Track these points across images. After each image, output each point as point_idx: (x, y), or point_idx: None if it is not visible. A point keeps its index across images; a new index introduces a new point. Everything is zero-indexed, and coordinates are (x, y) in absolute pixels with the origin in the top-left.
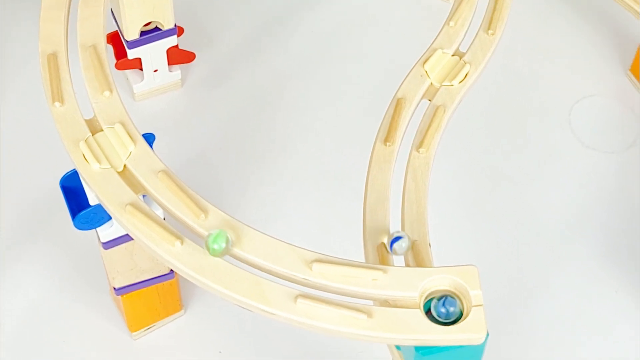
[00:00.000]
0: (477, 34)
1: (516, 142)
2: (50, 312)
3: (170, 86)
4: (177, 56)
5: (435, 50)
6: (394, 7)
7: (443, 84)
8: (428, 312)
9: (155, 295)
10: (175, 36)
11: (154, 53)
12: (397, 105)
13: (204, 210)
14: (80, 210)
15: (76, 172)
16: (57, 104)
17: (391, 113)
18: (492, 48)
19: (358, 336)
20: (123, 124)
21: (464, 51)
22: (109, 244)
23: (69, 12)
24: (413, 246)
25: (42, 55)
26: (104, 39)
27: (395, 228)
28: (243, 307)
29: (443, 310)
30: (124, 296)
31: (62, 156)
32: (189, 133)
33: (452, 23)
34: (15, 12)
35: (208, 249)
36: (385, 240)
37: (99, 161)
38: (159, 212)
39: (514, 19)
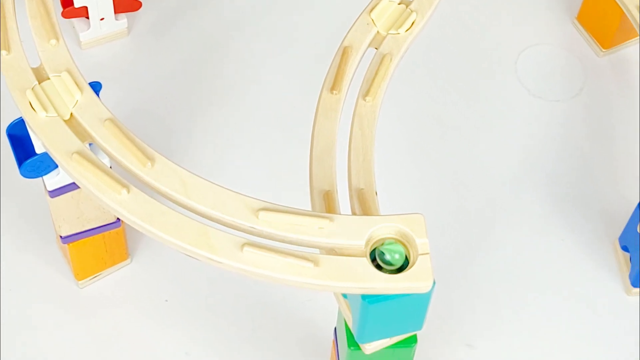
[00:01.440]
0: None
1: (463, 91)
2: None
3: (116, 34)
4: (123, 4)
5: None
6: None
7: (389, 32)
8: (374, 260)
9: (101, 243)
10: None
11: (100, 1)
12: (344, 53)
13: (151, 159)
14: (26, 159)
15: (23, 120)
16: (3, 52)
17: (337, 61)
18: None
19: (304, 284)
20: (69, 72)
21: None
22: (55, 192)
23: None
24: (359, 194)
25: None
26: None
27: (341, 176)
28: (189, 256)
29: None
30: (71, 245)
31: (9, 104)
32: (136, 81)
33: None
34: None
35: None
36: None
37: (45, 109)
38: (106, 161)
39: None
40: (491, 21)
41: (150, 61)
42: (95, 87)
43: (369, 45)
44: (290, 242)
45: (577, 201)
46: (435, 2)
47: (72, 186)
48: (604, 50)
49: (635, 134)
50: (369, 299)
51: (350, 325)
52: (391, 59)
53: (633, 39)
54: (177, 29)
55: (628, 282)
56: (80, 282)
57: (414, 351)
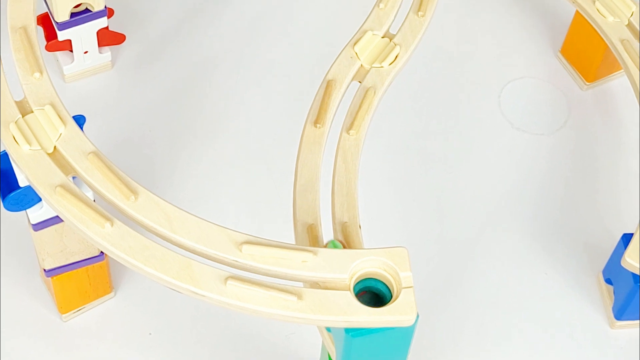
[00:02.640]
0: (407, 15)
1: (447, 124)
2: None
3: (100, 68)
4: (107, 38)
5: (365, 32)
6: None
7: (373, 65)
8: (358, 294)
9: (85, 277)
10: (106, 18)
11: (84, 35)
12: (328, 86)
13: (134, 192)
14: (10, 192)
15: (6, 153)
16: None
17: (321, 95)
18: (422, 30)
19: (288, 318)
20: (53, 106)
21: (394, 33)
22: (39, 226)
23: None
24: (343, 227)
25: None
26: (34, 21)
27: (325, 209)
28: (173, 289)
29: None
30: (54, 278)
31: None
32: (119, 115)
33: (382, 5)
34: None
35: None
36: None
37: (29, 143)
38: (89, 194)
39: (444, 0)
40: (475, 54)
41: (134, 94)
42: (79, 120)
43: (353, 79)
44: (274, 276)
45: (561, 234)
46: (418, 36)
47: (56, 219)
48: (587, 83)
49: (619, 167)
50: (353, 332)
51: (334, 358)
52: (375, 93)
53: (617, 72)
54: (160, 62)
55: (612, 315)
56: (64, 315)
57: None
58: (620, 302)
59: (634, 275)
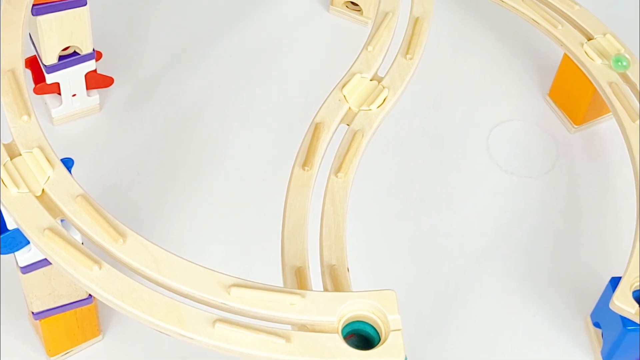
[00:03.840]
0: (395, 58)
1: (435, 166)
2: None
3: (88, 110)
4: (95, 81)
5: (353, 74)
6: (312, 31)
7: (361, 108)
8: (347, 337)
9: (73, 320)
10: (94, 61)
11: (72, 77)
12: (316, 129)
13: (122, 235)
14: None
15: None
16: None
17: (309, 137)
18: (410, 73)
19: None
20: (41, 149)
21: (382, 76)
22: (27, 269)
23: None
24: (331, 270)
25: None
26: (22, 64)
27: (313, 252)
28: (161, 332)
29: None
30: (42, 321)
31: None
32: (108, 157)
33: (370, 48)
34: None
35: None
36: None
37: (17, 185)
38: (77, 237)
39: (432, 43)
40: (463, 97)
41: (122, 137)
42: (67, 163)
43: (341, 122)
44: (262, 318)
45: (549, 277)
46: (406, 78)
47: (44, 262)
48: (576, 126)
49: (607, 210)
50: None
51: None
52: (363, 136)
53: (605, 115)
54: (148, 104)
55: (600, 358)
56: (52, 358)
57: None
58: (609, 345)
59: (622, 318)
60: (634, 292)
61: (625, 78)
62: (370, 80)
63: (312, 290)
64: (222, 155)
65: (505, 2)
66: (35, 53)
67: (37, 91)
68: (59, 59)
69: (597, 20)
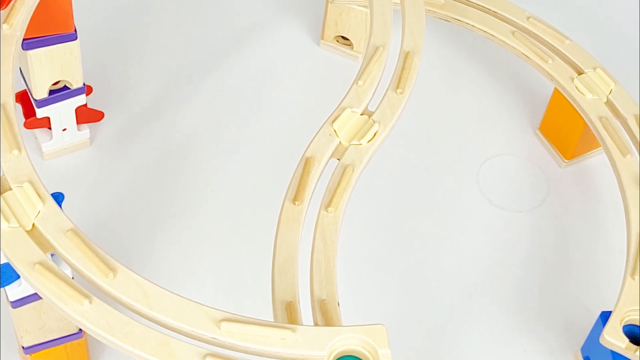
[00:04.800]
0: (385, 93)
1: (425, 201)
2: None
3: (79, 145)
4: (86, 115)
5: (344, 109)
6: (303, 65)
7: (352, 143)
8: None
9: (63, 354)
10: (84, 95)
11: (62, 112)
12: (306, 164)
13: (113, 269)
14: None
15: None
16: None
17: (300, 172)
18: (400, 107)
19: None
20: (32, 183)
21: (373, 110)
22: (17, 303)
23: None
24: (321, 305)
25: None
26: (12, 98)
27: (303, 287)
28: None
29: None
30: (33, 355)
31: None
32: (98, 192)
33: (360, 82)
34: None
35: None
36: None
37: (7, 220)
38: (68, 271)
39: (423, 77)
40: (454, 131)
41: (112, 171)
42: (58, 197)
43: (331, 156)
44: (253, 353)
45: (540, 310)
46: (397, 113)
47: (35, 297)
48: (566, 161)
49: (598, 244)
50: None
51: None
52: (353, 170)
53: (595, 150)
54: (138, 139)
55: None
56: None
57: None
58: None
59: (612, 353)
60: (624, 327)
61: (615, 112)
62: (361, 114)
63: (302, 324)
64: (213, 189)
65: (495, 37)
66: (25, 87)
67: (27, 125)
68: (50, 93)
69: (587, 55)
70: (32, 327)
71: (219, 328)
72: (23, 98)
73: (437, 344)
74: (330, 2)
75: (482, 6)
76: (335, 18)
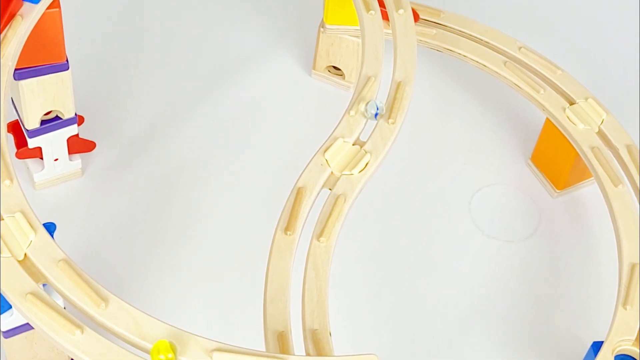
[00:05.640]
0: (377, 123)
1: (417, 231)
2: None
3: (70, 175)
4: (78, 145)
5: (336, 139)
6: (295, 95)
7: (343, 173)
8: None
9: None
10: (76, 125)
11: (54, 142)
12: (298, 194)
13: (105, 299)
14: None
15: None
16: None
17: (292, 202)
18: (392, 137)
19: None
20: (24, 213)
21: (365, 140)
22: (9, 333)
23: None
24: (313, 335)
25: None
26: (4, 128)
27: (295, 317)
28: None
29: None
30: None
31: None
32: (90, 222)
33: (352, 112)
34: None
35: None
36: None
37: None
38: (60, 301)
39: (415, 106)
40: (445, 161)
41: (104, 201)
42: (50, 227)
43: (323, 186)
44: None
45: (532, 341)
46: (389, 143)
47: (26, 327)
48: (558, 191)
49: (589, 274)
50: None
51: None
52: (345, 200)
53: (587, 180)
54: (130, 169)
55: None
56: None
57: None
58: None
59: None
60: (616, 357)
61: (606, 142)
62: (353, 144)
63: (294, 354)
64: (205, 219)
65: (487, 67)
66: (17, 117)
67: (19, 155)
68: (41, 123)
69: (579, 85)
70: (24, 357)
71: (212, 358)
72: (15, 128)
73: None
74: (322, 32)
75: (474, 36)
76: (327, 48)
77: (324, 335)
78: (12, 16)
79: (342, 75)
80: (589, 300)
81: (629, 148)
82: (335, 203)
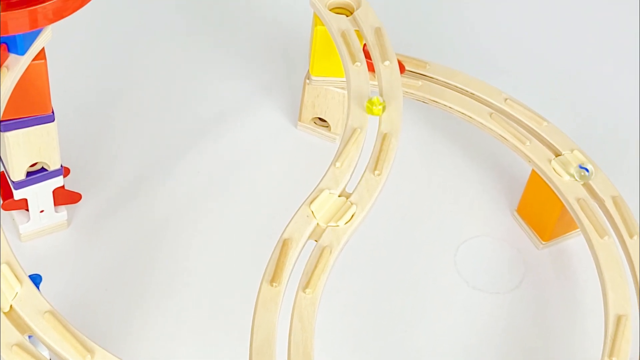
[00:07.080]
0: (363, 174)
1: (403, 282)
2: None
3: (56, 227)
4: (63, 197)
5: (321, 190)
6: (280, 146)
7: (329, 224)
8: None
9: None
10: (62, 177)
11: (40, 194)
12: (284, 245)
13: (90, 351)
14: None
15: None
16: None
17: (277, 253)
18: (378, 189)
19: None
20: (9, 265)
21: (351, 192)
22: None
23: None
24: None
25: None
26: None
27: None
28: None
29: None
30: None
31: None
32: (76, 273)
33: (338, 164)
34: None
35: None
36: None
37: None
38: (45, 353)
39: (400, 158)
40: (431, 212)
41: (90, 253)
42: (35, 279)
43: (309, 238)
44: None
45: None
46: (375, 195)
47: None
48: (543, 242)
49: (575, 326)
50: None
51: None
52: (331, 252)
53: (573, 232)
54: (116, 220)
55: None
56: None
57: None
58: None
59: None
60: None
61: (592, 193)
62: (339, 196)
63: None
64: (191, 270)
65: (473, 119)
66: (3, 169)
67: (5, 207)
68: (27, 175)
69: (565, 136)
70: None
71: None
72: (1, 179)
73: None
74: (308, 84)
75: (460, 88)
76: (313, 100)
77: None
78: None
79: (328, 126)
80: (575, 352)
81: (614, 199)
82: (321, 255)
